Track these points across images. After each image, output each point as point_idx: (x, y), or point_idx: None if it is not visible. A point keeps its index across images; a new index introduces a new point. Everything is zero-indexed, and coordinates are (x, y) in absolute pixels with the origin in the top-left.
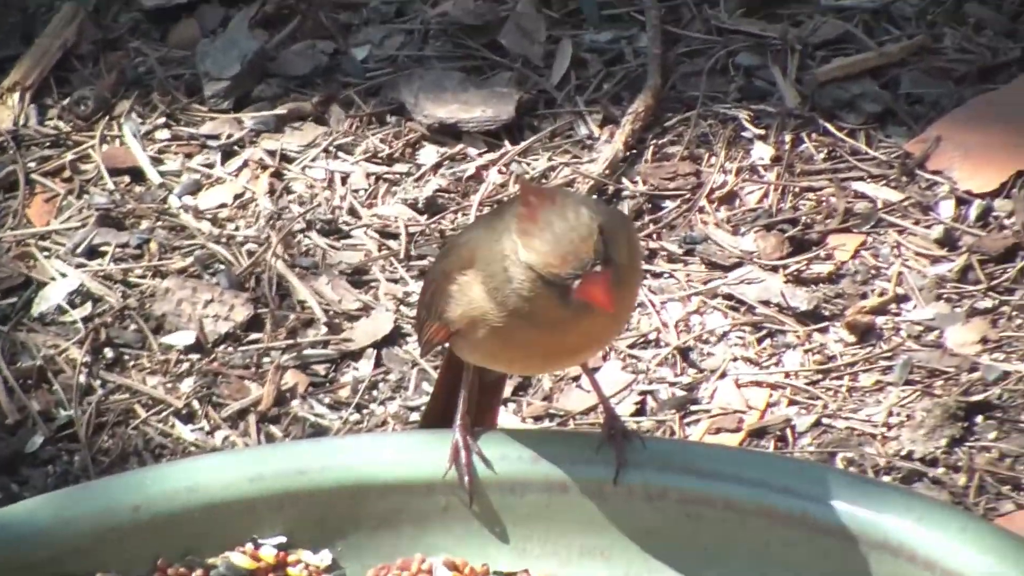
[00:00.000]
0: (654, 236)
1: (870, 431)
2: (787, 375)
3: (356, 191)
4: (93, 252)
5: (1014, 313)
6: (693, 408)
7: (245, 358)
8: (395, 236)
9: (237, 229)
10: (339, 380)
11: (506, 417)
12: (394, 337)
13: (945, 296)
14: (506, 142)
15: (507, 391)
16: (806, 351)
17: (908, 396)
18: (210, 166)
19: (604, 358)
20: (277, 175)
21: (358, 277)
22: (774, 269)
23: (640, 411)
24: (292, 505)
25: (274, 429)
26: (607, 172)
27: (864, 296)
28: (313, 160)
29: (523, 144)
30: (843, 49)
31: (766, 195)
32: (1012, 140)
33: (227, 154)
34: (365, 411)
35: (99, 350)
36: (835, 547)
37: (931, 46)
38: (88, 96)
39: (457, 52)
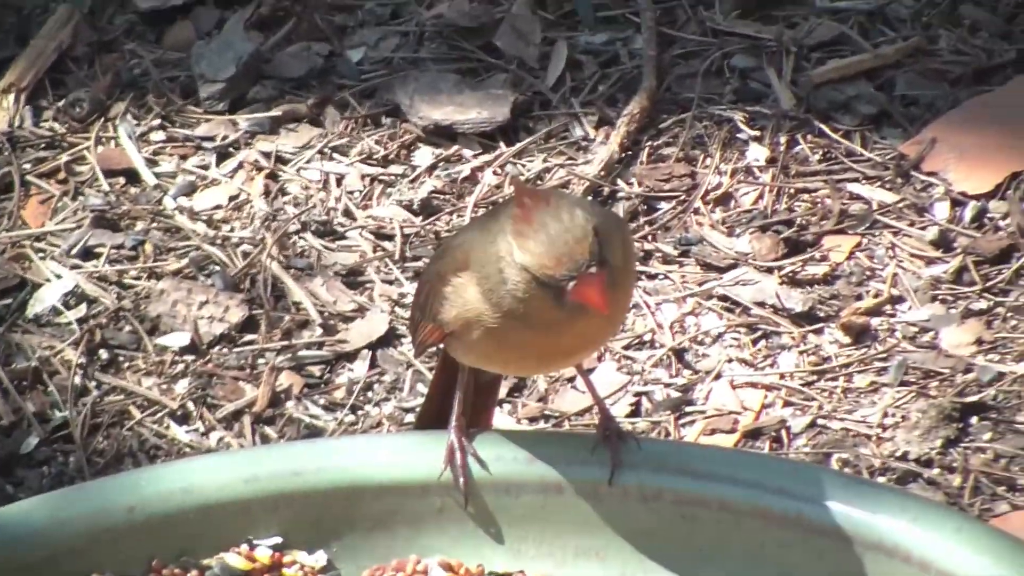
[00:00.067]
0: (649, 237)
1: (865, 432)
2: (782, 376)
3: (351, 192)
4: (88, 253)
5: (1009, 314)
6: (688, 409)
7: (240, 359)
8: (390, 237)
9: (232, 230)
10: (334, 381)
11: (501, 418)
12: (389, 338)
13: (940, 297)
14: (501, 144)
15: (502, 392)
16: (801, 352)
17: (903, 397)
18: (205, 168)
19: (599, 359)
20: (272, 177)
21: (353, 278)
22: (769, 270)
23: (635, 412)
24: (287, 506)
25: (269, 430)
26: (602, 174)
27: (859, 297)
28: (308, 162)
29: (518, 146)
30: (838, 51)
31: (761, 196)
32: (1007, 142)
33: (222, 156)
34: (360, 412)
35: (94, 351)
36: (830, 548)
37: (926, 48)
38: (83, 98)
39: (452, 54)
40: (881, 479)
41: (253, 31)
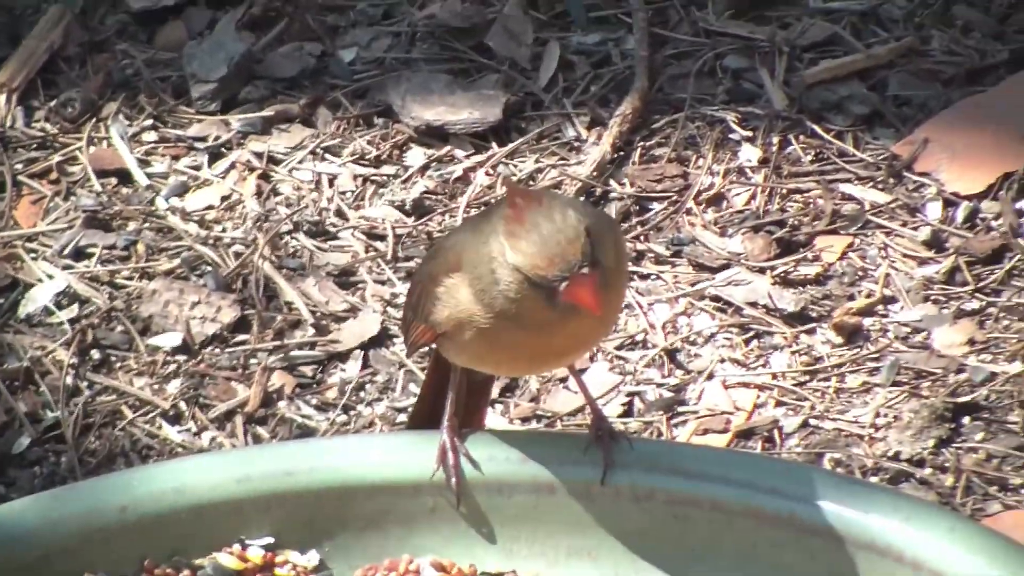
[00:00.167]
0: (641, 238)
1: (857, 432)
2: (774, 376)
3: (343, 193)
4: (80, 254)
5: (1001, 314)
6: (680, 409)
7: (232, 359)
8: (382, 238)
9: (224, 231)
10: (326, 381)
11: (493, 418)
12: (381, 338)
13: (932, 297)
14: (493, 144)
15: (494, 392)
16: (793, 352)
17: (895, 397)
18: (197, 168)
19: (591, 359)
20: (264, 177)
21: (345, 279)
22: (761, 271)
23: (627, 412)
24: (279, 506)
25: (261, 430)
26: (594, 174)
27: (851, 298)
28: (300, 162)
29: (510, 146)
30: (831, 51)
31: (753, 197)
32: (999, 142)
33: (214, 156)
34: (352, 412)
35: (86, 351)
36: (822, 548)
37: (919, 48)
38: (75, 98)
39: (444, 54)
40: (873, 479)
41: (245, 31)
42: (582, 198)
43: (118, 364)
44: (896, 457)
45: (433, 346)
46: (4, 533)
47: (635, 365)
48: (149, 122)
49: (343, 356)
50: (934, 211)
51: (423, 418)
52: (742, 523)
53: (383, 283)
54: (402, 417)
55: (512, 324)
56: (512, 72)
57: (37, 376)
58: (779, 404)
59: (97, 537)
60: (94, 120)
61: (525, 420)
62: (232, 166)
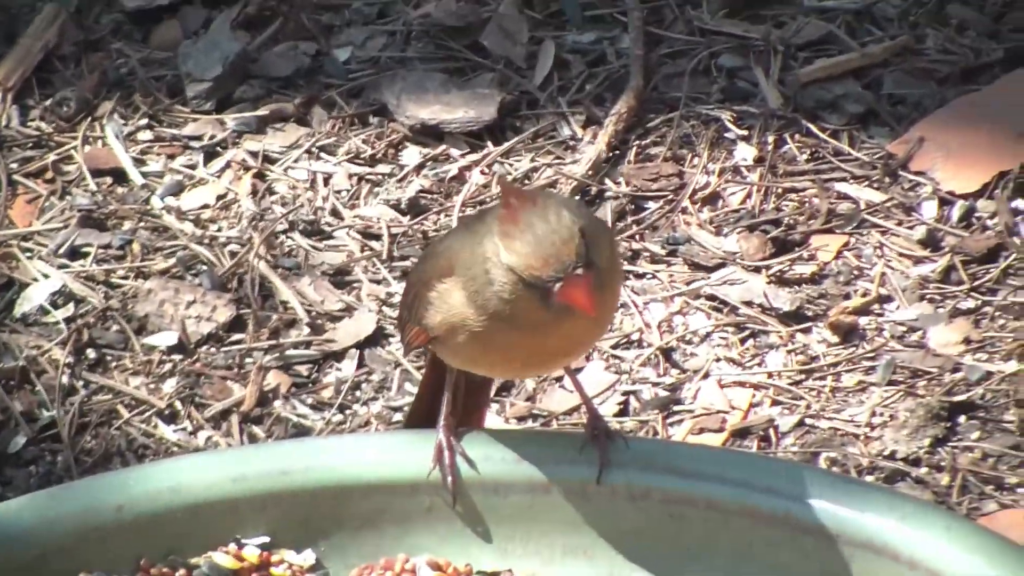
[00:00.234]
0: (637, 237)
1: (853, 431)
2: (770, 375)
3: (338, 192)
4: (75, 253)
5: (997, 313)
6: (676, 408)
7: (228, 359)
8: (377, 237)
9: (219, 230)
10: (322, 380)
11: (489, 418)
12: (377, 337)
13: (928, 296)
14: (488, 143)
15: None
16: (789, 351)
17: (891, 396)
18: (192, 167)
19: (587, 358)
20: (259, 176)
21: (340, 278)
22: (757, 270)
23: (623, 411)
24: (275, 505)
25: (257, 429)
26: (590, 173)
27: (847, 297)
28: (295, 161)
29: (505, 145)
30: (826, 50)
31: (749, 196)
32: (995, 141)
33: (209, 155)
34: (348, 411)
35: (82, 351)
36: (818, 547)
37: (914, 47)
38: (70, 97)
39: (439, 53)
40: (869, 478)
41: (240, 30)
42: (577, 197)
43: (114, 363)
44: (892, 456)
45: (429, 345)
46: (0, 532)
47: (631, 364)
48: (144, 121)
49: (339, 355)
50: (929, 210)
51: (420, 417)
52: (738, 522)
53: (378, 282)
54: (398, 416)
55: (506, 325)
56: (507, 71)
57: (33, 375)
58: (775, 403)
59: (93, 536)
60: (89, 119)
61: (521, 419)
62: (227, 165)
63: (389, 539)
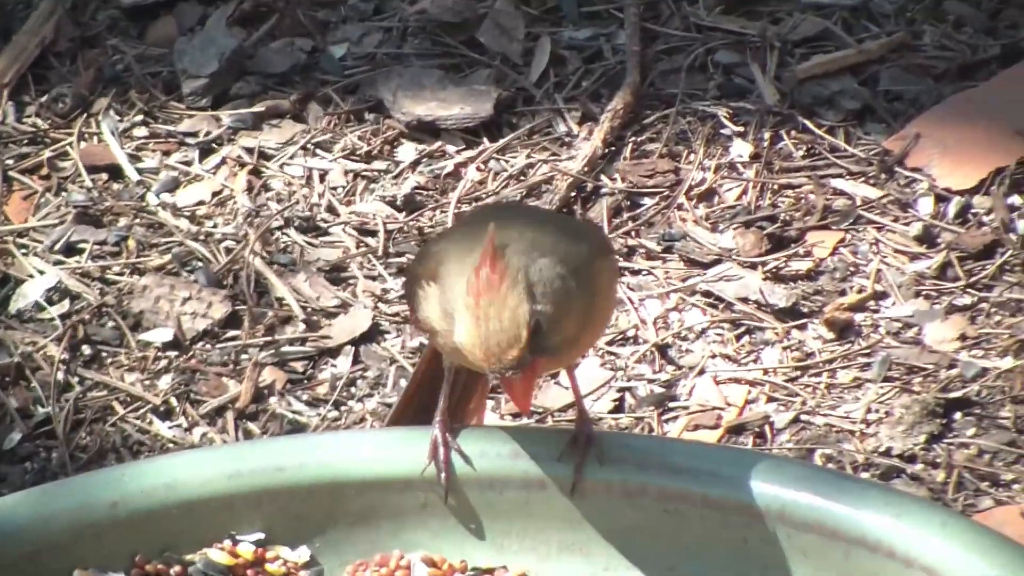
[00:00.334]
0: (632, 233)
1: (849, 428)
2: (765, 372)
3: (334, 188)
4: (71, 249)
5: (993, 310)
6: (671, 405)
7: (223, 355)
8: (373, 233)
9: (215, 226)
10: (317, 377)
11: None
12: (372, 334)
13: (924, 293)
14: (484, 139)
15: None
16: (784, 348)
17: (887, 393)
18: (188, 163)
19: (583, 355)
20: (255, 172)
21: (336, 274)
22: (753, 266)
23: (618, 408)
24: (270, 502)
25: (252, 426)
26: (586, 169)
27: (843, 293)
28: (291, 157)
29: (501, 141)
30: (822, 46)
31: (745, 192)
32: (991, 137)
33: (205, 151)
34: (343, 408)
35: (77, 347)
36: (814, 544)
37: (910, 43)
38: (66, 93)
39: (435, 49)
40: (865, 475)
41: (236, 27)
42: (573, 194)
43: (109, 360)
44: (887, 453)
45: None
46: None
47: (626, 361)
48: (140, 118)
49: (334, 352)
50: (926, 206)
51: (405, 410)
52: (734, 519)
53: (374, 279)
54: (390, 412)
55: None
56: (503, 67)
57: (28, 372)
58: (770, 400)
59: (88, 533)
60: (85, 115)
61: (516, 416)
62: (223, 162)
63: (384, 535)
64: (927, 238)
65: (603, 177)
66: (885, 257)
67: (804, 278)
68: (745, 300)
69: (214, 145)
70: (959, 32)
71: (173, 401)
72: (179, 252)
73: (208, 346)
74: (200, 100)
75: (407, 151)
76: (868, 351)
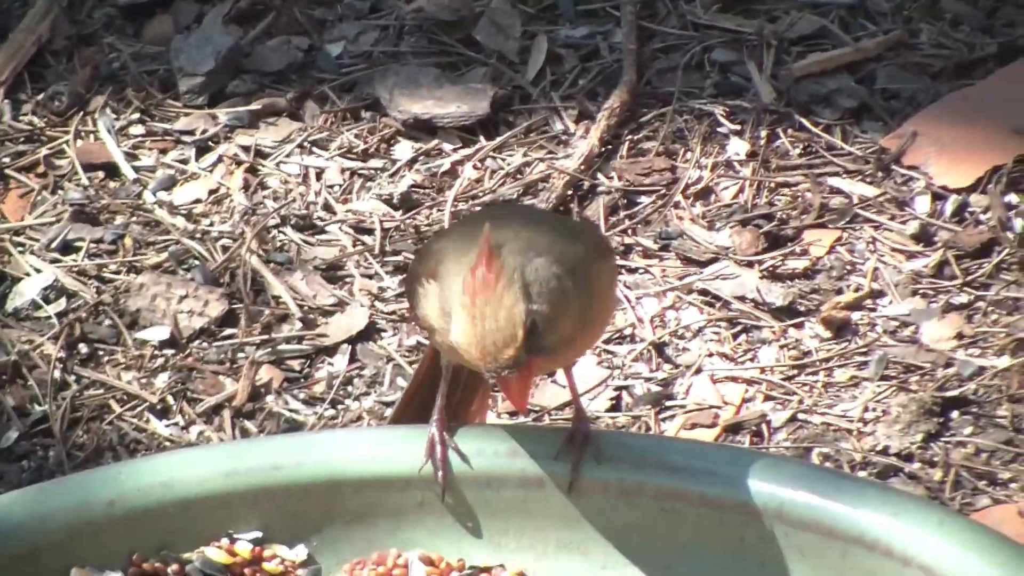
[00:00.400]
0: (629, 232)
1: (846, 426)
2: (762, 370)
3: (331, 186)
4: (67, 247)
5: (990, 308)
6: (668, 403)
7: (220, 353)
8: (370, 231)
9: (212, 224)
10: (314, 375)
11: None
12: (369, 332)
13: (921, 291)
14: (481, 138)
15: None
16: (781, 347)
17: (884, 391)
18: (184, 162)
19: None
20: (252, 171)
21: (333, 272)
22: (749, 264)
23: (615, 406)
24: (267, 500)
25: (249, 424)
26: (582, 167)
27: (839, 291)
28: (288, 156)
29: (498, 140)
30: (819, 44)
31: (741, 190)
32: (988, 135)
33: (201, 150)
34: (340, 406)
35: (74, 345)
36: (811, 542)
37: (907, 41)
38: (62, 91)
39: (432, 48)
40: (862, 473)
41: (232, 25)
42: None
43: (106, 358)
44: (884, 451)
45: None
46: None
47: (623, 359)
48: (136, 116)
49: (331, 350)
50: (923, 205)
51: (407, 409)
52: (731, 518)
53: (371, 277)
54: (390, 411)
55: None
56: (500, 65)
57: (25, 370)
58: (767, 398)
59: (85, 531)
60: (81, 114)
61: (513, 414)
62: (219, 160)
63: (381, 534)
64: (924, 237)
65: (600, 175)
66: (882, 255)
67: (801, 276)
68: (742, 299)
69: (210, 143)
70: (956, 30)
71: (170, 399)
72: (176, 250)
73: (205, 344)
74: (196, 98)
75: (404, 149)
76: (865, 350)
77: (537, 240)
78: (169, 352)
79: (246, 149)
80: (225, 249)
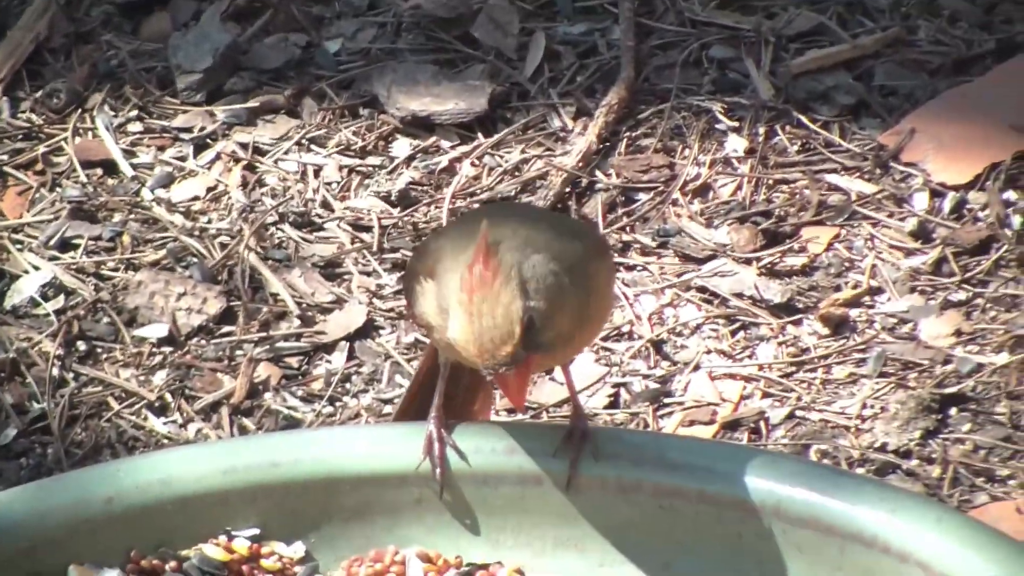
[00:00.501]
0: (627, 229)
1: (844, 423)
2: (761, 367)
3: (329, 184)
4: (66, 245)
5: (988, 305)
6: (666, 400)
7: (218, 351)
8: (368, 229)
9: (210, 222)
10: (312, 373)
11: None
12: (367, 330)
13: (919, 288)
14: (479, 135)
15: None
16: (780, 343)
17: (882, 388)
18: (183, 159)
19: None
20: (250, 168)
21: (331, 270)
22: (748, 262)
23: (614, 403)
24: (265, 497)
25: (247, 422)
26: (580, 164)
27: (838, 288)
28: (286, 153)
29: (496, 137)
30: (817, 41)
31: (740, 187)
32: (986, 132)
33: (199, 147)
34: (338, 403)
35: (72, 343)
36: (809, 538)
37: (905, 38)
38: (60, 89)
39: (430, 45)
40: (860, 470)
41: (230, 22)
42: (568, 189)
43: (104, 355)
44: (883, 448)
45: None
46: None
47: (621, 356)
48: (134, 113)
49: (329, 347)
50: (921, 202)
51: (409, 408)
52: (729, 515)
53: (369, 274)
54: (388, 408)
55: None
56: (498, 62)
57: (23, 367)
58: (765, 395)
59: (83, 528)
60: (79, 111)
61: (511, 411)
62: (217, 157)
63: (379, 531)
64: (922, 234)
65: (598, 172)
66: (880, 253)
67: (799, 274)
68: (740, 296)
69: (208, 140)
70: (954, 27)
71: (168, 397)
72: (174, 248)
73: (203, 342)
74: (194, 95)
75: (401, 146)
76: (863, 347)
77: (535, 238)
78: (167, 349)
79: (244, 146)
80: (223, 246)
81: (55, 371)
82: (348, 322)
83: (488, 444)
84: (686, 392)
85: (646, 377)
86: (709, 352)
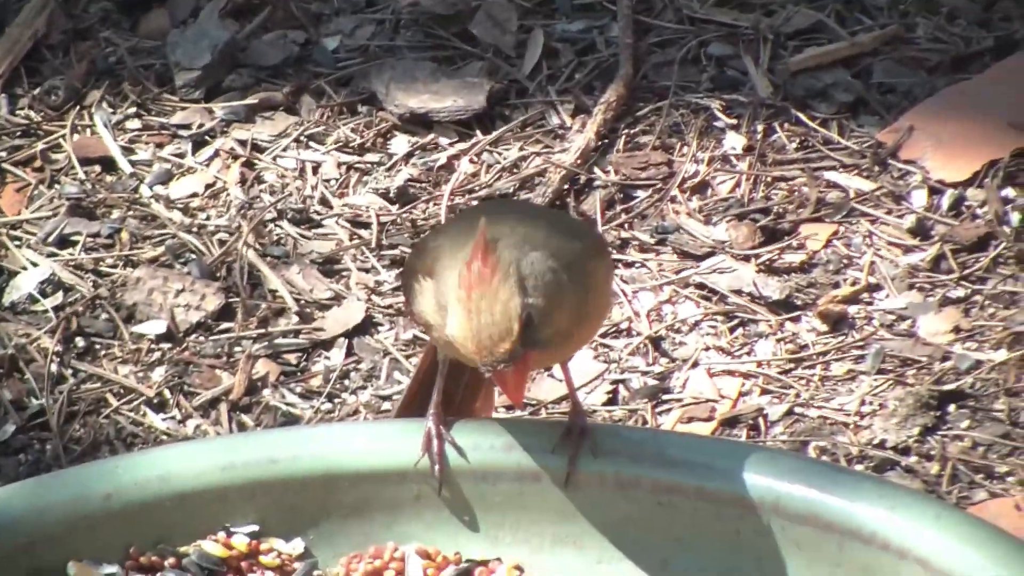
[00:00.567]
0: (626, 226)
1: (842, 420)
2: (759, 364)
3: (327, 181)
4: (64, 241)
5: (986, 302)
6: (665, 397)
7: (216, 347)
8: (366, 226)
9: (208, 218)
10: (310, 369)
11: None
12: (365, 326)
13: (917, 285)
14: (477, 132)
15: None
16: (778, 340)
17: (881, 385)
18: (181, 156)
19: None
20: (248, 165)
21: (329, 266)
22: (746, 258)
23: (612, 400)
24: (264, 494)
25: (246, 418)
26: (579, 162)
27: (836, 285)
28: (284, 150)
29: (494, 134)
30: (815, 39)
31: (738, 185)
32: (985, 129)
33: (198, 144)
34: (337, 400)
35: (71, 339)
36: (807, 535)
37: (904, 35)
38: (59, 86)
39: (428, 42)
40: (859, 467)
41: (228, 19)
42: (566, 186)
43: (103, 352)
44: (881, 445)
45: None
46: None
47: (620, 353)
48: (133, 110)
49: (327, 344)
50: (919, 199)
51: (409, 407)
52: (727, 511)
53: (367, 271)
54: (386, 405)
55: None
56: (496, 59)
57: (22, 364)
58: (764, 392)
59: (82, 524)
60: (78, 108)
61: (509, 408)
62: (216, 154)
63: (378, 527)
64: (921, 231)
65: (596, 169)
66: (879, 250)
67: (798, 270)
68: (739, 292)
69: (207, 137)
70: (952, 24)
71: (167, 393)
72: (172, 244)
73: (201, 338)
74: (193, 92)
75: (400, 143)
76: (862, 343)
77: (533, 235)
78: (166, 346)
79: (242, 143)
80: (222, 243)
81: (54, 367)
82: (347, 319)
83: (486, 440)
84: (685, 389)
85: (645, 374)
86: (708, 349)
